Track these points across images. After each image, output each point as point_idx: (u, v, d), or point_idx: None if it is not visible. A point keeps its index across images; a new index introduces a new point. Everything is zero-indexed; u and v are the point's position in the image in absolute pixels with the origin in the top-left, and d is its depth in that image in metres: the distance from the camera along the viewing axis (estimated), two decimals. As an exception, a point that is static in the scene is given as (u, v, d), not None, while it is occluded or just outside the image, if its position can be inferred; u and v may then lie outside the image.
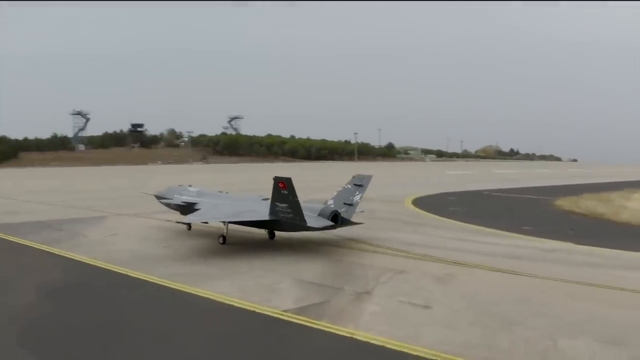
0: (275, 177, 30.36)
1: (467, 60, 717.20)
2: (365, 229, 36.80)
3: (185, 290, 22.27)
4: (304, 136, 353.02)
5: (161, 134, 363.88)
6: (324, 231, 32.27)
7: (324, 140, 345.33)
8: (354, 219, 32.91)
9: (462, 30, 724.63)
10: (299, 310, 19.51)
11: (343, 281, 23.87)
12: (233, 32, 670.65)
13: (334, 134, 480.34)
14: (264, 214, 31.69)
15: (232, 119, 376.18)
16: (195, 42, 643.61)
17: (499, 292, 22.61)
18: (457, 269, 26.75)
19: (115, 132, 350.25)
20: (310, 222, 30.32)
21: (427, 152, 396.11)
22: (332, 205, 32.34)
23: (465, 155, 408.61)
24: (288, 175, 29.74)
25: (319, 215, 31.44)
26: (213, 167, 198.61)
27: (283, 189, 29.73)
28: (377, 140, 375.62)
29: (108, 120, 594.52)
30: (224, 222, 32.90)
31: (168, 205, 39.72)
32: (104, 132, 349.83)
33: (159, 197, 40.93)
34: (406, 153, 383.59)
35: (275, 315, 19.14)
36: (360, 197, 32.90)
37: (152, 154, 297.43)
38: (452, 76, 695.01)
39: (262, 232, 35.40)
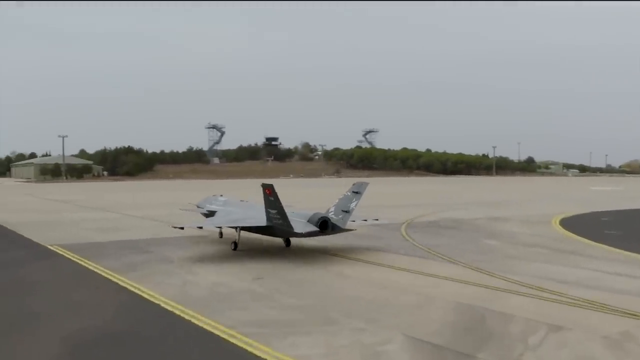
0: (263, 184, 30.95)
1: (611, 72, 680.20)
2: (503, 258, 29.86)
3: (253, 350, 16.15)
4: (440, 150, 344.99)
5: (295, 148, 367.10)
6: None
7: (460, 154, 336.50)
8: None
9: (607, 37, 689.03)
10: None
11: (475, 342, 16.91)
12: (366, 45, 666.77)
13: (472, 148, 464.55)
14: (262, 220, 31.79)
15: (367, 132, 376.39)
16: (330, 55, 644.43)
17: None
18: (636, 324, 19.12)
19: (249, 146, 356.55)
20: (297, 227, 30.56)
21: (568, 166, 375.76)
22: (331, 212, 32.18)
23: (609, 170, 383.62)
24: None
25: (308, 221, 31.18)
26: (341, 181, 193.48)
27: (270, 195, 30.11)
28: (516, 155, 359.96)
29: (243, 133, 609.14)
30: (235, 229, 33.78)
31: (201, 213, 40.86)
32: (239, 145, 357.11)
33: (197, 207, 42.14)
34: (547, 168, 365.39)
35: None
36: (356, 204, 32.30)
37: (285, 167, 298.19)
38: (592, 87, 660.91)
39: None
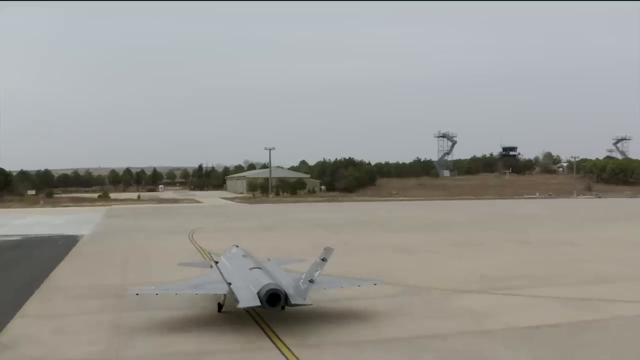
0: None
1: None
2: None
3: None
4: None
5: (536, 158, 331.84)
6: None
7: None
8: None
9: None
10: None
11: None
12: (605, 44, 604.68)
13: None
14: (221, 287, 26.35)
15: (619, 140, 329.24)
16: (570, 59, 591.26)
17: None
18: None
19: (484, 156, 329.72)
20: (242, 300, 24.31)
21: None
22: (301, 280, 25.22)
23: None
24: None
25: (258, 293, 23.99)
26: (615, 208, 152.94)
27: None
28: None
29: (477, 142, 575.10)
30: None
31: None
32: (472, 155, 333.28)
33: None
34: None
35: None
36: (319, 274, 25.22)
37: (524, 181, 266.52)
38: None
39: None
